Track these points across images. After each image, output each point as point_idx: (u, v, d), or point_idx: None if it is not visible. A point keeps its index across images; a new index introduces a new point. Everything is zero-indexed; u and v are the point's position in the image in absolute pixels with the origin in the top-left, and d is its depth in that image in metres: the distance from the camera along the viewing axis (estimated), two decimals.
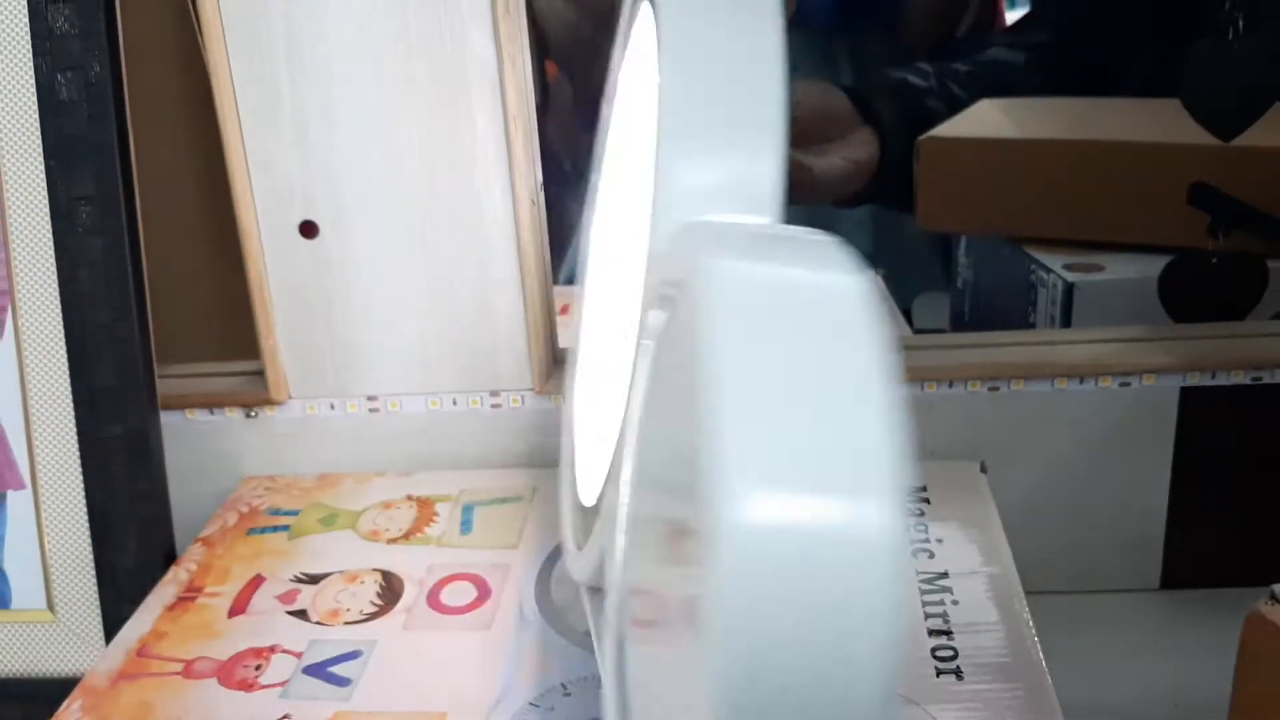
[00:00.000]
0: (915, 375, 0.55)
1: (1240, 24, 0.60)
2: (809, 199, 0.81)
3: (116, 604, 0.51)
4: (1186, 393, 0.56)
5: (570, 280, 0.71)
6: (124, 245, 0.49)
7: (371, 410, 0.57)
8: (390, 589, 0.48)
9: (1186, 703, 0.51)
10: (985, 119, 0.80)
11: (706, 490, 0.18)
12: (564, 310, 0.59)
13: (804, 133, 0.78)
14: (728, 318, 0.20)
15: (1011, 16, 1.06)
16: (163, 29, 0.58)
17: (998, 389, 0.55)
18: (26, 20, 0.48)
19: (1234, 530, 0.57)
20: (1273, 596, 0.32)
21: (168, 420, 0.53)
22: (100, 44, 0.48)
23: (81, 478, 0.51)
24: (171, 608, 0.47)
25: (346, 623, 0.46)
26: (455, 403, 0.57)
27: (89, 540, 0.51)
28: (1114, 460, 0.56)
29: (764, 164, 0.27)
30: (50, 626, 0.52)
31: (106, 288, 0.49)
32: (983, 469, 0.53)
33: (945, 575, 0.45)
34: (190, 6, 0.54)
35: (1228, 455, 0.57)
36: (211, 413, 0.58)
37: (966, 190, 0.77)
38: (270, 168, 0.54)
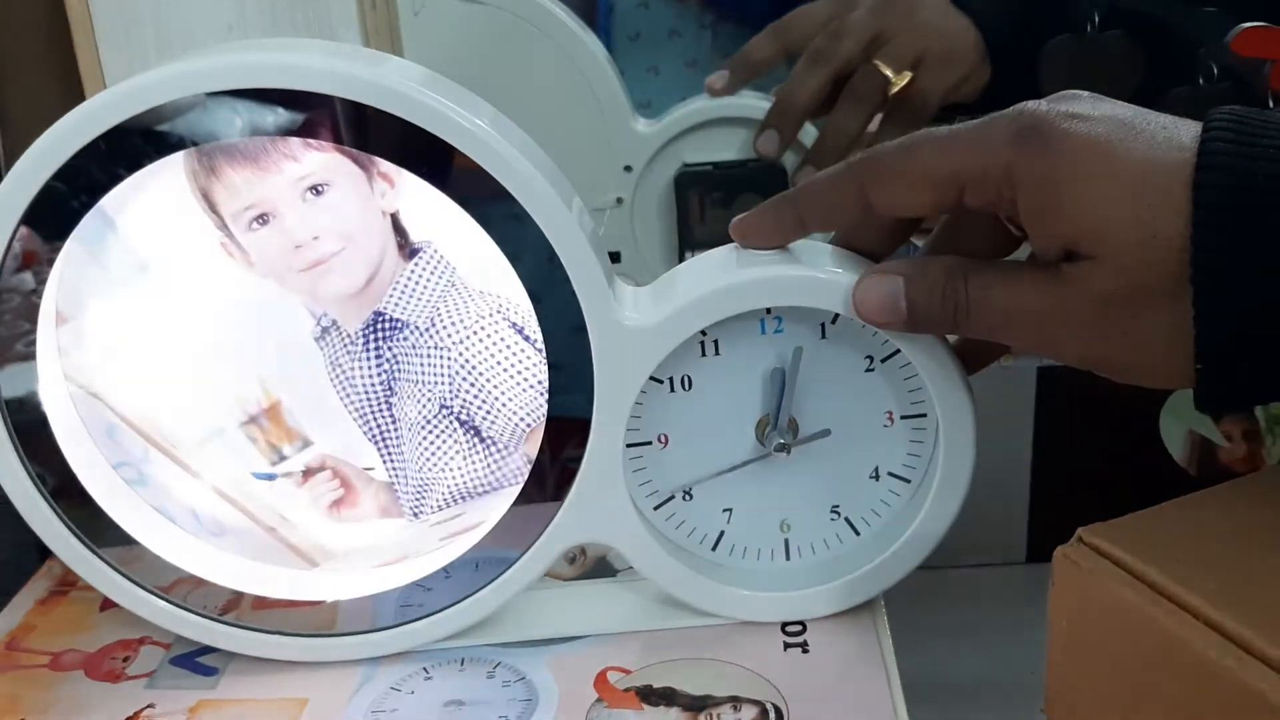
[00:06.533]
0: None
1: (1097, 18, 0.62)
2: None
3: None
4: (1043, 372, 0.58)
5: None
6: None
7: None
8: None
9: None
10: None
11: None
12: None
13: None
14: None
15: None
16: (35, 32, 0.57)
17: None
18: None
19: (1095, 503, 0.59)
20: (1078, 538, 0.34)
21: None
22: None
23: None
24: (44, 601, 0.48)
25: None
26: None
27: None
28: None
29: None
30: None
31: None
32: None
33: None
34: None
35: (1085, 431, 0.59)
36: None
37: None
38: None
